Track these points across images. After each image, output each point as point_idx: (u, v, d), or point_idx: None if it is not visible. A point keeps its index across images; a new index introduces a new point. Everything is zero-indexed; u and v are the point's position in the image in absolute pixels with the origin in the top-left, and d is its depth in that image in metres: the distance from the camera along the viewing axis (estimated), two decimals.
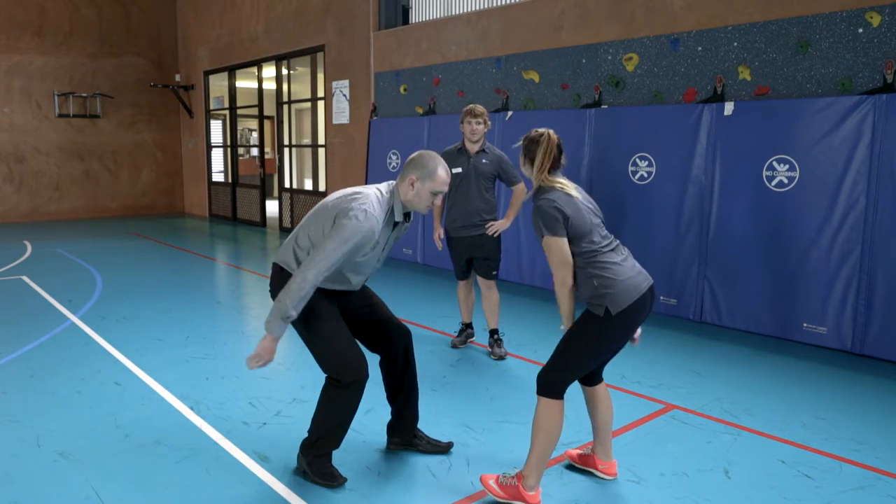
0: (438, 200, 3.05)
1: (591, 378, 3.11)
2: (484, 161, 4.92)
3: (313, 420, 3.13)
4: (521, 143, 3.03)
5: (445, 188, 3.01)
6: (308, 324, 2.99)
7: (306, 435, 3.17)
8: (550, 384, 2.87)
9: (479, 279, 5.03)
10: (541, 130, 3.00)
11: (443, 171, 2.97)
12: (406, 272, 8.21)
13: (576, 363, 2.88)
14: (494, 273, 5.00)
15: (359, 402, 3.09)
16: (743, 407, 4.05)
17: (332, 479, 3.06)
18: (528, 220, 7.29)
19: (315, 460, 3.11)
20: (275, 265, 3.10)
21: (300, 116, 17.22)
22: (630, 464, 3.30)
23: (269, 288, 3.11)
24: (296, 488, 3.05)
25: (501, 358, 4.94)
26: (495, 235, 4.93)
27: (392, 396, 3.38)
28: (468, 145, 4.96)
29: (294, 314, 2.83)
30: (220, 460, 3.31)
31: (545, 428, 2.86)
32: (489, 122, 4.94)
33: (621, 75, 6.71)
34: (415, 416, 3.42)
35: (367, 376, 3.04)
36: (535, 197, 2.95)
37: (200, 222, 13.51)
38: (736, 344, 5.37)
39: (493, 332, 5.06)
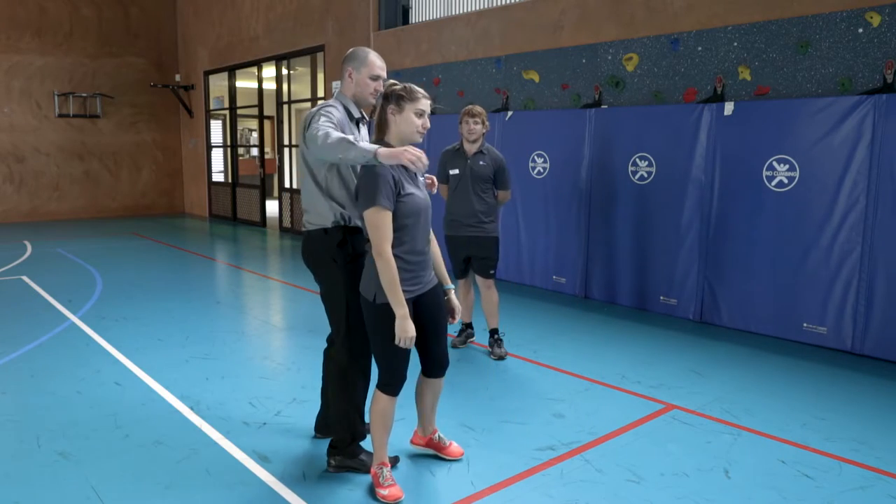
0: (379, 86, 3.07)
1: (430, 370, 3.13)
2: (481, 163, 4.92)
3: (335, 422, 3.20)
4: (381, 103, 2.87)
5: (382, 72, 3.10)
6: (340, 290, 3.06)
7: (330, 441, 3.23)
8: (385, 385, 2.92)
9: (478, 278, 5.03)
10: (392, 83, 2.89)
11: (375, 57, 3.10)
12: None
13: (391, 358, 2.86)
14: (492, 272, 5.00)
15: (365, 390, 3.20)
16: (743, 407, 4.05)
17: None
18: (528, 219, 7.29)
19: (348, 450, 3.17)
20: (305, 233, 3.15)
21: (300, 116, 17.22)
22: (630, 464, 3.30)
23: (301, 255, 3.18)
24: (296, 488, 3.05)
25: (501, 358, 4.94)
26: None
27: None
28: (466, 146, 4.96)
29: (348, 141, 2.72)
30: (220, 460, 3.31)
31: (380, 417, 2.96)
32: (487, 123, 4.94)
33: (621, 75, 6.71)
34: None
35: (367, 357, 3.14)
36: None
37: (200, 222, 13.51)
38: (736, 344, 5.37)
39: (493, 332, 5.06)
